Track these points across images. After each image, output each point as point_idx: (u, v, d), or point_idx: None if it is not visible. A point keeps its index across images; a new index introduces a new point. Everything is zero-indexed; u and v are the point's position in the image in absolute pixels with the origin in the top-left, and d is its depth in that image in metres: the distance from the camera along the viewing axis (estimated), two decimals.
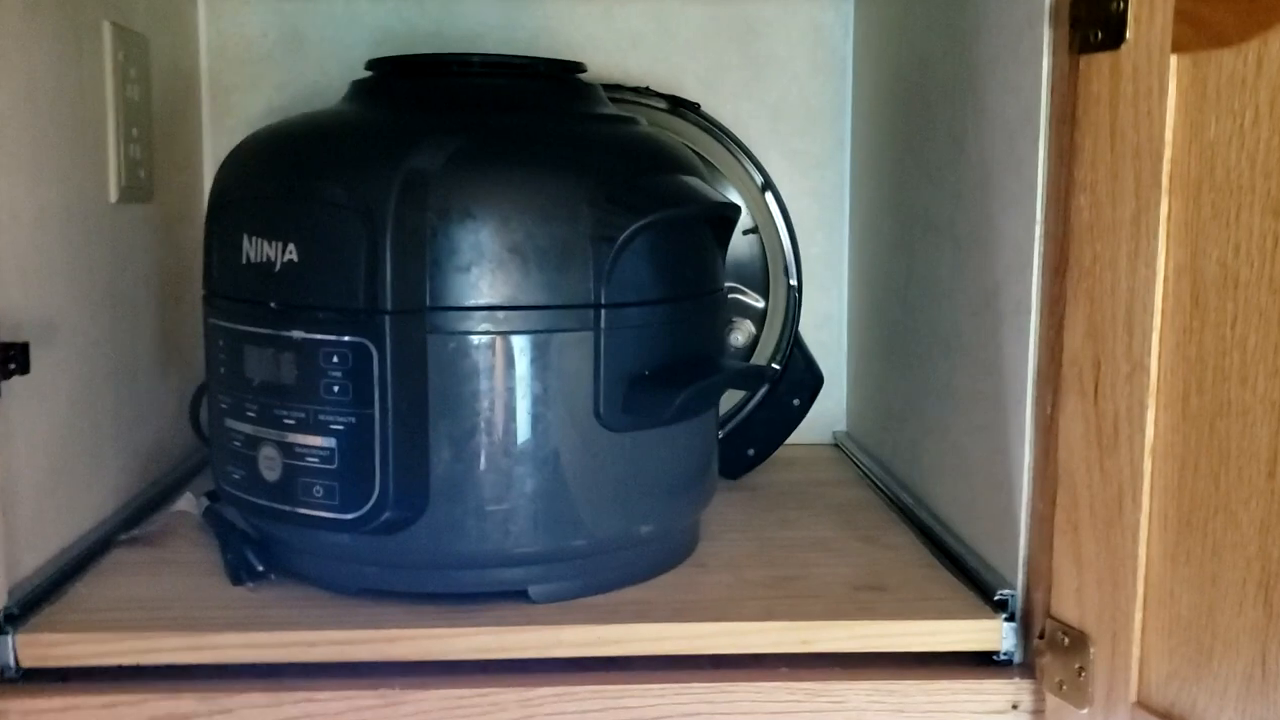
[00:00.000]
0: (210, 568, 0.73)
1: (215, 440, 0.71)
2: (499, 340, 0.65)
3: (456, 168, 0.64)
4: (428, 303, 0.64)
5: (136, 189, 0.84)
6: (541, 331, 0.65)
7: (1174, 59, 0.53)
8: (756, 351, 0.91)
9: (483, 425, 0.65)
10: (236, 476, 0.69)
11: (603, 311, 0.66)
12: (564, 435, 0.67)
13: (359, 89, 0.73)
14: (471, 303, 0.64)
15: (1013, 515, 0.67)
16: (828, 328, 1.03)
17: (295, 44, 0.99)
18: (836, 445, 1.04)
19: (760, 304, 0.91)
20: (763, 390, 0.91)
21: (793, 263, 0.89)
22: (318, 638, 0.65)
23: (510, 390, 0.65)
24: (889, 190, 0.92)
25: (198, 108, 0.99)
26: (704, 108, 0.90)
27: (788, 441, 0.94)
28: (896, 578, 0.73)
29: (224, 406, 0.70)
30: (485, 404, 0.65)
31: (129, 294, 0.83)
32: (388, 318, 0.63)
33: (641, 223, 0.66)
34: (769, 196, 0.89)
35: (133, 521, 0.79)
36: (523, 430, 0.66)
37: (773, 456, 0.94)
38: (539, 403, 0.66)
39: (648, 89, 0.89)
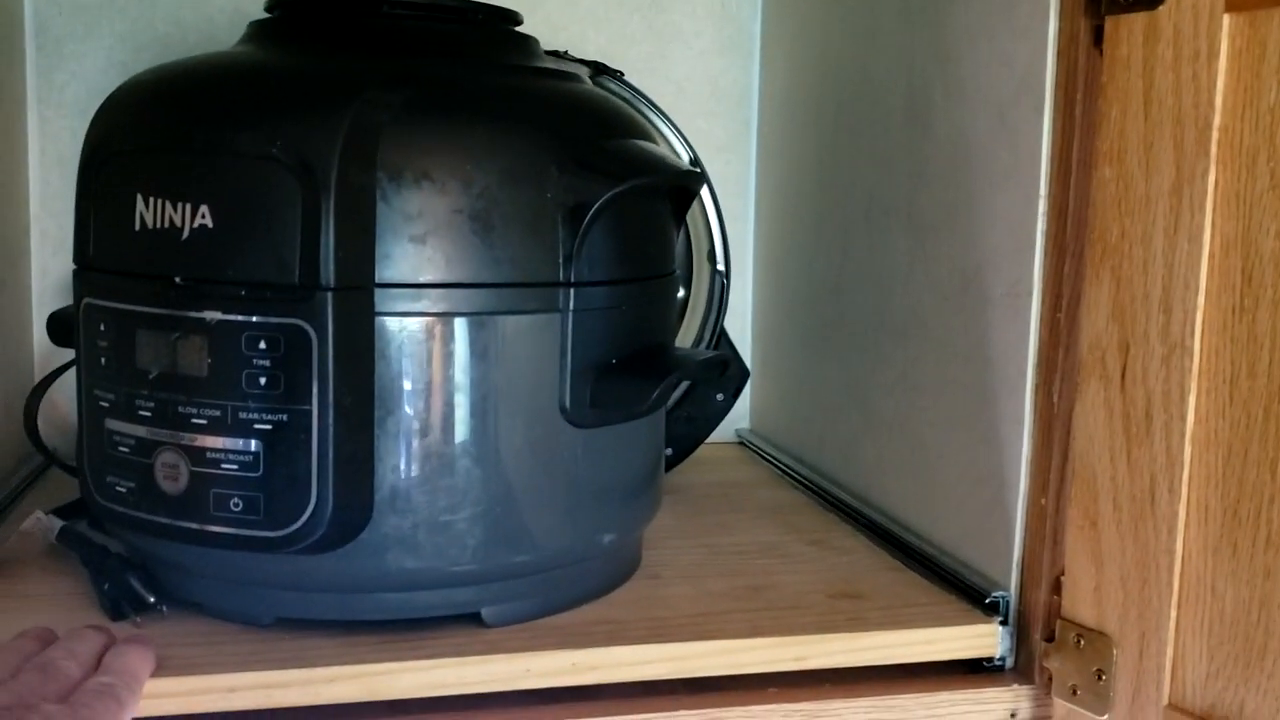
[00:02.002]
0: (78, 600, 0.61)
1: (89, 447, 0.59)
2: (457, 323, 0.56)
3: (410, 120, 0.55)
4: (376, 278, 0.54)
5: None
6: (506, 313, 0.57)
7: (1226, 18, 0.50)
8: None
9: (437, 422, 0.56)
10: (121, 490, 0.57)
11: (571, 291, 0.58)
12: (527, 433, 0.58)
13: (262, 30, 0.62)
14: (427, 279, 0.55)
15: (1004, 512, 0.63)
16: (732, 320, 0.97)
17: None
18: (741, 443, 0.98)
19: (680, 293, 0.84)
20: (682, 386, 0.85)
21: (720, 248, 0.83)
22: (239, 681, 0.54)
23: (468, 381, 0.56)
24: (813, 174, 0.87)
25: (20, 60, 0.84)
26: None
27: None
28: (867, 584, 0.67)
29: (104, 405, 0.57)
30: (440, 398, 0.56)
31: None
32: (330, 295, 0.53)
33: (616, 190, 0.58)
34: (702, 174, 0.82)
35: None
36: (482, 428, 0.57)
37: None
38: (500, 395, 0.57)
39: (565, 53, 0.81)
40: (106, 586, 0.59)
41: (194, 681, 0.53)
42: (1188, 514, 0.53)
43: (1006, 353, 0.63)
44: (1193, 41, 0.51)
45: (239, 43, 0.62)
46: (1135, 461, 0.55)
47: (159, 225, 0.54)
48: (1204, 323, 0.52)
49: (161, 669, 0.53)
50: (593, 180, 0.57)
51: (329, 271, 0.52)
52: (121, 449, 0.57)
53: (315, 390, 0.53)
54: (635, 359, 0.61)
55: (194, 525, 0.55)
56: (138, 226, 0.55)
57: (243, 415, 0.54)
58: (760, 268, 0.97)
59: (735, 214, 0.97)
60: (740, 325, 0.98)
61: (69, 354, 0.62)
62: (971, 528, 0.66)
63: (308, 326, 0.53)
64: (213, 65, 0.59)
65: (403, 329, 0.55)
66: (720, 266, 0.83)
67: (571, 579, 0.62)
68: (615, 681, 0.58)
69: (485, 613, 0.59)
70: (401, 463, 0.56)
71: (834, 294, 0.83)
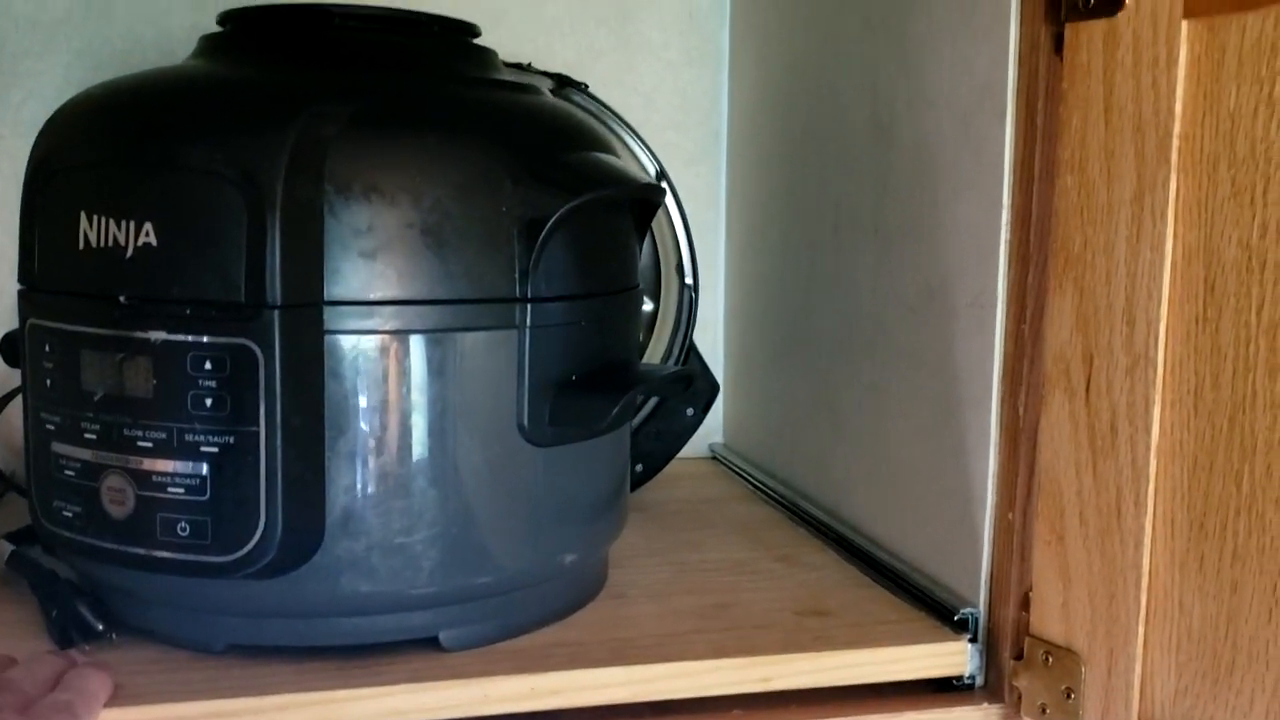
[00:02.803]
0: (28, 629, 0.59)
1: (36, 470, 0.57)
2: (411, 341, 0.54)
3: (358, 133, 0.53)
4: (325, 296, 0.53)
5: None
6: (460, 330, 0.55)
7: (1185, 24, 0.49)
8: (644, 359, 0.84)
9: (390, 442, 0.55)
10: (68, 514, 0.56)
11: (528, 307, 0.57)
12: (484, 452, 0.57)
13: (214, 44, 0.61)
14: (378, 296, 0.54)
15: (972, 527, 0.62)
16: (703, 334, 0.96)
17: (101, 3, 0.84)
18: (715, 458, 0.97)
19: (648, 306, 0.84)
20: (652, 402, 0.84)
21: (688, 261, 0.82)
22: (188, 711, 0.52)
23: (423, 400, 0.55)
24: (781, 186, 0.86)
25: None
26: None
27: None
28: (835, 600, 0.66)
29: (50, 428, 0.56)
30: (394, 417, 0.55)
31: None
32: (276, 313, 0.52)
33: (572, 204, 0.57)
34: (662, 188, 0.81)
35: None
36: (437, 447, 0.56)
37: None
38: (456, 414, 0.56)
39: (529, 65, 0.80)
40: (55, 613, 0.58)
41: (142, 711, 0.52)
42: (1154, 528, 0.52)
43: (971, 365, 0.62)
44: (1152, 48, 0.51)
45: (189, 57, 0.61)
46: (1101, 475, 0.54)
47: (103, 244, 0.53)
48: (1167, 333, 0.51)
49: (111, 698, 0.52)
50: (548, 193, 0.56)
51: (275, 289, 0.51)
52: (67, 472, 0.55)
53: (263, 411, 0.52)
54: (596, 375, 0.60)
55: (141, 550, 0.54)
56: (81, 245, 0.54)
57: (189, 437, 0.53)
58: (732, 280, 0.96)
59: (706, 226, 0.96)
60: (712, 339, 0.97)
61: None
62: (940, 543, 0.65)
63: (254, 346, 0.52)
64: (158, 80, 0.58)
65: (354, 347, 0.53)
66: (689, 280, 0.82)
67: (532, 601, 0.61)
68: (577, 706, 0.56)
69: (443, 637, 0.58)
70: (355, 484, 0.54)
71: (803, 306, 0.82)
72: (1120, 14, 0.52)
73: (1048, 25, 0.56)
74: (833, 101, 0.77)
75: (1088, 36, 0.53)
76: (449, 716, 0.55)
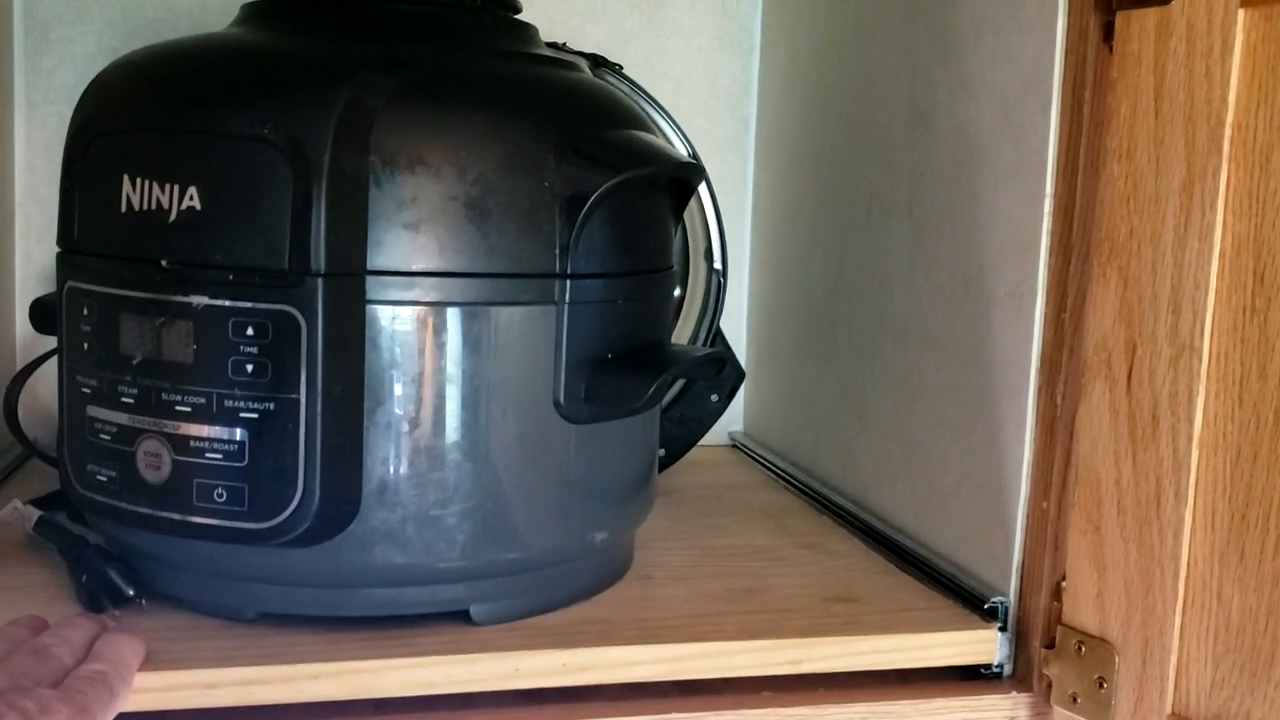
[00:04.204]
0: (55, 593, 0.59)
1: (70, 434, 0.57)
2: (450, 313, 0.54)
3: (404, 104, 0.53)
4: (368, 265, 0.53)
5: None
6: (500, 304, 0.55)
7: (1241, 13, 0.49)
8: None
9: (428, 414, 0.54)
10: (102, 479, 0.56)
11: (567, 283, 0.56)
12: (519, 427, 0.57)
13: (255, 12, 0.61)
14: (420, 267, 0.53)
15: (1003, 517, 0.62)
16: (727, 321, 0.96)
17: None
18: (735, 446, 0.97)
19: (676, 292, 0.83)
20: (676, 386, 0.84)
21: (717, 246, 0.82)
22: (219, 677, 0.52)
23: (460, 373, 0.55)
24: (812, 173, 0.86)
25: (8, 44, 0.83)
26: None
27: None
28: (862, 587, 0.66)
29: (86, 391, 0.56)
30: (431, 389, 0.54)
31: None
32: (320, 281, 0.51)
33: (614, 181, 0.56)
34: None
35: None
36: (474, 421, 0.55)
37: None
38: (493, 388, 0.56)
39: (564, 45, 0.80)
40: (84, 578, 0.58)
41: (172, 677, 0.52)
42: (1194, 519, 0.52)
43: (1009, 354, 0.61)
44: (1206, 37, 0.50)
45: (231, 25, 0.61)
46: (1141, 465, 0.54)
47: (146, 207, 0.53)
48: (1214, 323, 0.51)
49: (142, 664, 0.52)
50: (591, 170, 0.56)
51: (319, 257, 0.51)
52: (103, 436, 0.55)
53: (303, 379, 0.52)
54: (631, 354, 0.60)
55: (176, 516, 0.54)
56: (124, 208, 0.53)
57: (228, 403, 0.52)
58: (757, 268, 0.96)
59: (733, 213, 0.96)
60: (735, 326, 0.97)
61: (51, 342, 0.61)
62: (970, 532, 0.65)
63: (297, 313, 0.51)
64: (204, 45, 0.57)
65: (394, 318, 0.53)
66: (717, 265, 0.82)
67: (562, 578, 0.60)
68: (606, 683, 0.56)
69: (474, 610, 0.58)
70: (391, 455, 0.54)
71: (832, 295, 0.82)
72: (1174, 3, 0.51)
73: (1097, 14, 0.56)
74: (868, 89, 0.77)
75: (1139, 26, 0.53)
76: (480, 689, 0.55)
